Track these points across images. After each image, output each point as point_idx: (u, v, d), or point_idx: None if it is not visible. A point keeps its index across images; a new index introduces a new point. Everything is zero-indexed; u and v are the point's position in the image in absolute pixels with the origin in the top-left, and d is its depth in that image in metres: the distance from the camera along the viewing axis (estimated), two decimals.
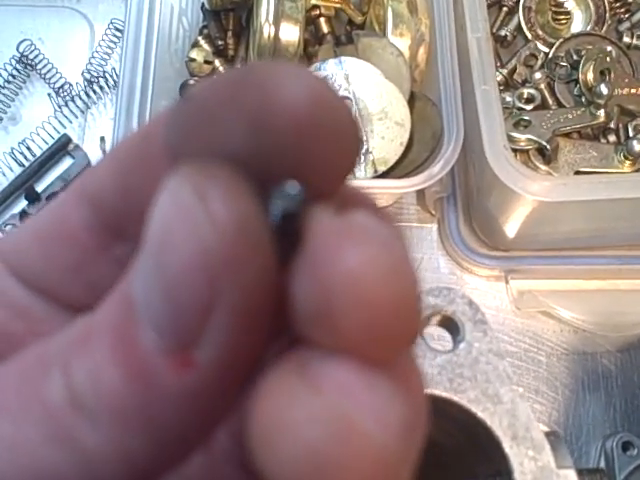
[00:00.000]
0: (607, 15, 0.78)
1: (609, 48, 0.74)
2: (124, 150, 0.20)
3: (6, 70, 0.81)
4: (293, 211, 0.15)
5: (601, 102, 0.68)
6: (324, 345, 0.15)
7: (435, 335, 0.42)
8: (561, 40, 0.76)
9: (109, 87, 0.81)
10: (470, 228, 0.71)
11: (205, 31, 0.77)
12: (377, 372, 0.15)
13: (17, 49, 0.81)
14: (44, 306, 0.21)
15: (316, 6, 0.74)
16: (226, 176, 0.15)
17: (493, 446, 0.38)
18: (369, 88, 0.66)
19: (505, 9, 0.79)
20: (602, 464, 0.64)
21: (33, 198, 0.74)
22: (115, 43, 0.82)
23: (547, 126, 0.68)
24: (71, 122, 0.80)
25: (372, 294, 0.14)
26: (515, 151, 0.67)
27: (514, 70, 0.75)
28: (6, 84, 0.80)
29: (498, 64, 0.76)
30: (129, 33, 0.67)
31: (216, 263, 0.14)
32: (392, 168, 0.65)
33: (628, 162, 0.67)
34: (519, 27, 0.78)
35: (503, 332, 0.69)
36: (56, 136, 0.77)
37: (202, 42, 0.76)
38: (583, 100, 0.72)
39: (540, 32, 0.78)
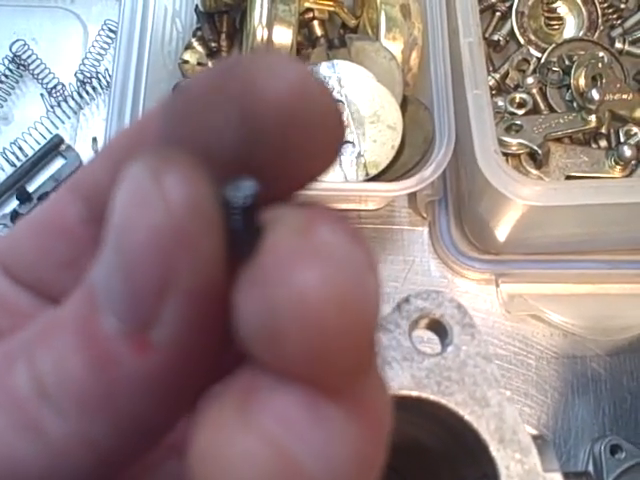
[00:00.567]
0: (599, 21, 0.78)
1: (601, 54, 0.74)
2: (118, 145, 0.20)
3: None
4: (244, 206, 0.15)
5: (592, 107, 0.68)
6: (270, 366, 0.14)
7: (425, 338, 0.43)
8: (553, 45, 0.76)
9: (102, 88, 0.81)
10: (461, 231, 0.71)
11: (198, 33, 0.77)
12: (325, 402, 0.14)
13: (10, 49, 0.81)
14: (35, 303, 0.21)
15: (309, 9, 0.74)
16: (184, 162, 0.15)
17: (480, 449, 0.38)
18: (361, 91, 0.66)
19: (498, 14, 0.79)
20: (590, 467, 0.64)
21: (24, 198, 0.74)
22: (108, 44, 0.82)
23: (539, 131, 0.68)
24: (63, 122, 0.80)
25: (319, 319, 0.14)
26: (506, 155, 0.67)
27: (506, 75, 0.76)
28: None
29: (490, 69, 0.76)
30: (122, 34, 0.67)
31: (169, 242, 0.14)
32: (384, 171, 0.66)
33: (619, 167, 0.67)
34: (512, 32, 0.78)
35: (493, 335, 0.70)
36: (48, 136, 0.77)
37: (195, 44, 0.76)
38: (575, 105, 0.72)
39: (533, 37, 0.78)
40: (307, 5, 0.74)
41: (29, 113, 0.79)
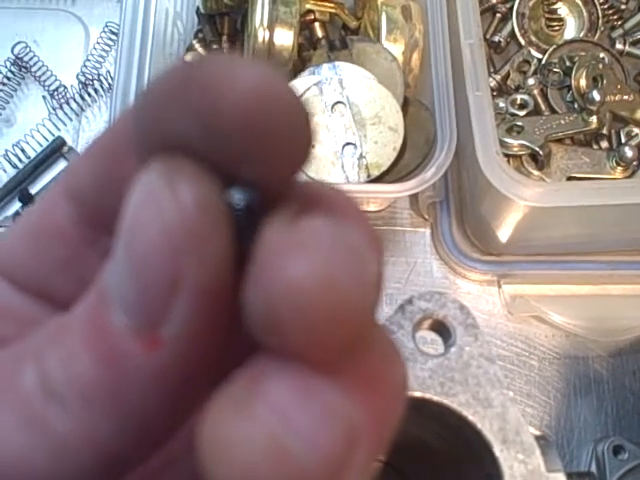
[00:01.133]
0: (600, 22, 0.78)
1: (602, 55, 0.74)
2: (97, 147, 0.20)
3: (1, 72, 0.81)
4: (247, 207, 0.16)
5: (593, 108, 0.69)
6: (274, 349, 0.15)
7: (428, 339, 0.43)
8: (554, 46, 0.76)
9: (104, 90, 0.81)
10: (463, 233, 0.72)
11: (200, 35, 0.77)
12: (319, 382, 0.15)
13: (12, 51, 0.81)
14: (36, 307, 0.21)
15: (311, 11, 0.74)
16: (191, 167, 0.16)
17: (483, 449, 0.38)
18: (363, 93, 0.66)
19: (499, 15, 0.79)
20: (593, 468, 0.64)
21: (27, 200, 0.74)
22: (110, 46, 0.82)
23: (540, 132, 0.68)
24: (65, 125, 0.80)
25: (308, 305, 0.15)
26: (508, 157, 0.67)
27: (507, 76, 0.76)
28: (1, 86, 0.80)
29: (491, 70, 0.76)
30: (124, 36, 0.67)
31: (179, 240, 0.15)
32: (385, 173, 0.66)
33: (620, 168, 0.68)
34: (512, 33, 0.78)
35: (495, 336, 0.70)
36: (50, 138, 0.77)
37: (197, 46, 0.76)
38: (576, 106, 0.72)
39: (533, 38, 0.78)
40: (308, 7, 0.74)
41: (31, 115, 0.79)
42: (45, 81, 0.80)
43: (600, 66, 0.72)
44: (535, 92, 0.73)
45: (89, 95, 0.81)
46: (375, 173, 0.65)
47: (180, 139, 0.16)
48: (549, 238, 0.68)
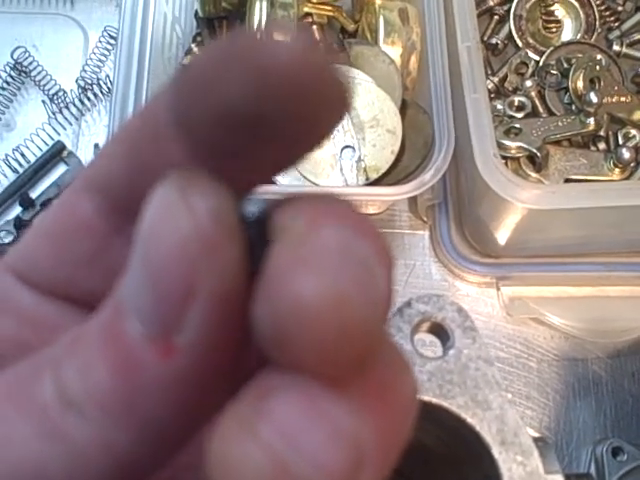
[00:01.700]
0: (597, 24, 0.79)
1: (599, 56, 0.75)
2: (128, 131, 0.20)
3: (0, 77, 0.81)
4: (258, 219, 0.17)
5: (591, 110, 0.69)
6: (282, 364, 0.15)
7: (427, 341, 0.43)
8: (551, 48, 0.76)
9: (103, 94, 0.81)
10: (461, 235, 0.72)
11: (198, 39, 0.78)
12: (327, 400, 0.15)
13: (11, 56, 0.81)
14: (57, 310, 0.21)
15: (309, 14, 0.75)
16: (205, 180, 0.16)
17: (482, 451, 0.38)
18: (361, 96, 0.66)
19: (496, 17, 0.79)
20: (592, 469, 0.64)
21: (27, 204, 0.75)
22: (109, 50, 0.83)
23: (537, 134, 0.69)
24: (65, 129, 0.80)
25: (317, 323, 0.15)
26: (506, 159, 0.68)
27: (505, 78, 0.76)
28: (0, 91, 0.80)
29: (489, 72, 0.76)
30: (123, 41, 0.67)
31: (194, 250, 0.15)
32: (384, 176, 0.66)
33: (618, 170, 0.68)
34: (510, 35, 0.79)
35: (494, 338, 0.70)
36: (50, 143, 0.78)
37: (195, 49, 0.77)
38: (573, 108, 0.72)
39: (531, 40, 0.78)
40: (306, 10, 0.74)
41: (31, 120, 0.80)
42: (45, 85, 0.81)
43: (597, 68, 0.72)
44: (533, 94, 0.73)
45: (88, 99, 0.81)
46: (373, 176, 0.66)
47: (228, 104, 0.16)
48: (547, 240, 0.68)
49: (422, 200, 0.71)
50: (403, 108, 0.68)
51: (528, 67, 0.76)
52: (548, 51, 0.76)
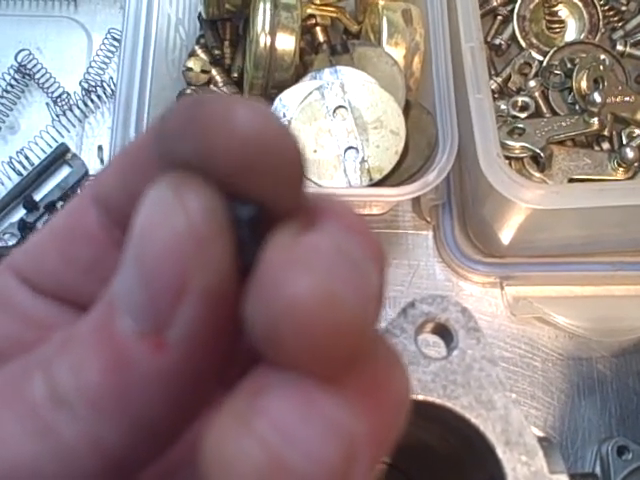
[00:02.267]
0: (600, 24, 0.79)
1: (602, 56, 0.75)
2: (123, 158, 0.21)
3: (4, 80, 0.81)
4: (251, 219, 0.17)
5: (594, 110, 0.69)
6: (276, 361, 0.16)
7: (431, 342, 0.43)
8: (555, 49, 0.76)
9: (107, 96, 0.81)
10: (465, 235, 0.72)
11: (202, 41, 0.78)
12: (321, 396, 0.16)
13: (15, 59, 0.81)
14: (58, 311, 0.22)
15: (312, 15, 0.75)
16: (199, 180, 0.17)
17: (487, 451, 0.38)
18: (364, 97, 0.67)
19: (500, 18, 0.79)
20: (597, 468, 0.64)
21: (31, 207, 0.75)
22: (113, 53, 0.83)
23: (541, 134, 0.69)
24: (69, 131, 0.80)
25: (309, 323, 0.15)
26: (509, 159, 0.68)
27: (508, 78, 0.76)
28: (4, 93, 0.81)
29: (493, 72, 0.77)
30: (126, 43, 0.67)
31: (186, 246, 0.16)
32: (387, 176, 0.66)
33: (622, 169, 0.68)
34: (513, 36, 0.79)
35: (499, 338, 0.70)
36: (54, 145, 0.78)
37: (199, 51, 0.77)
38: (577, 108, 0.72)
39: (534, 41, 0.78)
40: (310, 11, 0.74)
41: (35, 122, 0.80)
42: (48, 88, 0.81)
43: (601, 68, 0.72)
44: (536, 94, 0.73)
45: (92, 101, 0.81)
46: (377, 177, 0.66)
47: (187, 164, 0.17)
48: (551, 240, 0.68)
49: (426, 200, 0.71)
50: (406, 109, 0.68)
51: (532, 67, 0.76)
52: (552, 51, 0.76)
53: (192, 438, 0.17)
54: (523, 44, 0.78)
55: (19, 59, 0.81)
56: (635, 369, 0.69)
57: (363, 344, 0.16)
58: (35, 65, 0.81)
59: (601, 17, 0.78)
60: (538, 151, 0.67)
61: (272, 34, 0.67)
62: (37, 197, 0.76)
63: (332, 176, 0.65)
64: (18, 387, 0.17)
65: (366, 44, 0.71)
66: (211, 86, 0.75)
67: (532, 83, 0.74)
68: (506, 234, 0.66)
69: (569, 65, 0.74)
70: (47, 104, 0.81)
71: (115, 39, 0.83)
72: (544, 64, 0.76)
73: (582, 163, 0.69)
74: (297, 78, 0.69)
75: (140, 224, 0.16)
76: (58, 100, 0.80)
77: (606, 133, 0.71)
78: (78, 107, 0.80)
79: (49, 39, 0.84)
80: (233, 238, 0.16)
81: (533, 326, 0.70)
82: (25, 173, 0.77)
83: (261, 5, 0.67)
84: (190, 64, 0.74)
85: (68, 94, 0.81)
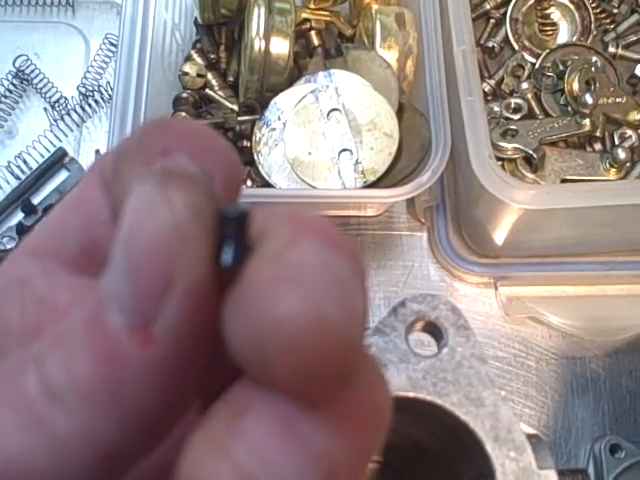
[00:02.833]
0: (592, 26, 0.79)
1: (594, 58, 0.75)
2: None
3: (3, 85, 0.82)
4: (237, 219, 0.17)
5: (586, 111, 0.69)
6: (258, 379, 0.16)
7: (426, 341, 0.43)
8: (547, 51, 0.77)
9: (104, 101, 0.82)
10: (459, 236, 0.72)
11: (198, 45, 0.78)
12: (304, 418, 0.16)
13: (13, 64, 0.82)
14: (86, 284, 0.22)
15: (306, 19, 0.76)
16: (185, 176, 0.17)
17: (476, 448, 0.39)
18: (358, 100, 0.67)
19: (492, 21, 0.80)
20: (591, 466, 0.65)
21: (30, 210, 0.76)
22: (110, 57, 0.84)
23: (534, 135, 0.69)
24: (67, 135, 0.81)
25: (298, 342, 0.15)
26: (503, 160, 0.68)
27: (501, 80, 0.77)
28: (3, 99, 0.81)
29: (486, 75, 0.77)
30: (123, 48, 0.68)
31: (172, 241, 0.16)
32: (381, 178, 0.67)
33: (614, 170, 0.68)
34: (506, 38, 0.79)
35: (493, 338, 0.70)
36: (52, 149, 0.79)
37: (195, 56, 0.77)
38: (569, 109, 0.73)
39: (527, 43, 0.79)
40: (304, 16, 0.75)
41: (33, 127, 0.81)
42: (46, 93, 0.82)
43: (593, 69, 0.73)
44: (529, 96, 0.74)
45: (90, 106, 0.82)
46: (371, 178, 0.66)
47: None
48: (544, 240, 0.68)
49: (420, 202, 0.72)
50: (400, 111, 0.69)
51: (524, 69, 0.77)
52: (544, 54, 0.77)
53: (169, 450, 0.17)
54: (516, 46, 0.79)
55: (17, 64, 0.82)
56: (628, 368, 0.70)
57: (351, 364, 0.16)
58: (33, 70, 0.82)
59: (593, 19, 0.79)
60: (531, 152, 0.68)
61: (266, 38, 0.68)
62: (35, 201, 0.77)
63: (326, 178, 0.66)
64: (13, 381, 0.17)
65: (360, 47, 0.72)
66: (207, 90, 0.75)
67: (525, 85, 0.74)
68: (499, 235, 0.66)
69: (561, 67, 0.74)
70: (45, 109, 0.81)
71: (112, 44, 0.83)
72: (536, 66, 0.77)
73: (574, 164, 0.69)
74: (292, 81, 0.70)
75: (127, 219, 0.17)
76: (56, 105, 0.81)
77: (598, 134, 0.71)
78: (76, 112, 0.81)
79: (47, 44, 0.85)
80: (219, 235, 0.17)
81: (527, 326, 0.71)
82: (23, 177, 0.77)
83: (255, 10, 0.68)
84: (186, 68, 0.75)
85: (66, 99, 0.81)
